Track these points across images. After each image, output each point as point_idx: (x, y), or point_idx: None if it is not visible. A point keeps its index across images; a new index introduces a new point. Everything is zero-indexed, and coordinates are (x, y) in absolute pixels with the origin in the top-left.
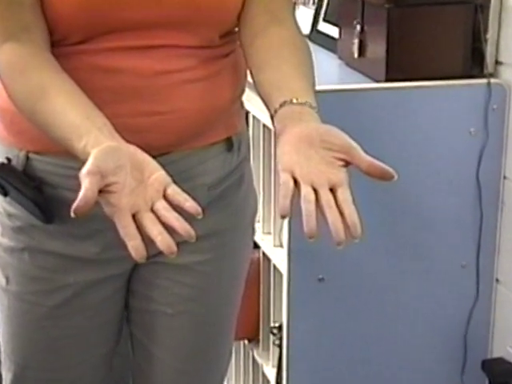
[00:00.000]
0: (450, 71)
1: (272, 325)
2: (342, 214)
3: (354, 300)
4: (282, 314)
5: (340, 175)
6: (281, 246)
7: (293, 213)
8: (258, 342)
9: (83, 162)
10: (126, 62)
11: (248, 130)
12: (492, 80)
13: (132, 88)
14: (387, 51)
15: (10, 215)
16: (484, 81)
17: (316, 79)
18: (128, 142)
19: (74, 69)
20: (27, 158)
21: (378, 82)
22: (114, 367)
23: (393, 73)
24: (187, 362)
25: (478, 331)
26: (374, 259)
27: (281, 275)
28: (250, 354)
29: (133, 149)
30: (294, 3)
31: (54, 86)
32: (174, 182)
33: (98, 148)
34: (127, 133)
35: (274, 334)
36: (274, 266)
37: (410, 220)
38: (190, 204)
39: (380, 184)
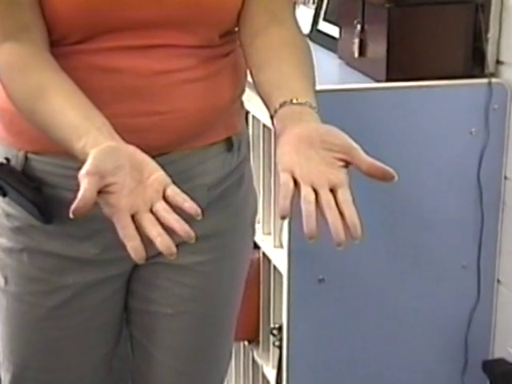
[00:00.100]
0: (450, 71)
1: (272, 326)
2: (342, 214)
3: (354, 301)
4: (282, 315)
5: (340, 176)
6: (281, 246)
7: (293, 213)
8: (257, 342)
9: (82, 163)
10: (126, 61)
11: (248, 129)
12: (493, 80)
13: (131, 88)
14: (388, 51)
15: (8, 215)
16: (485, 80)
17: (316, 79)
18: (127, 142)
19: (73, 68)
20: (26, 158)
21: (378, 81)
22: (114, 369)
23: (393, 72)
24: (187, 363)
25: (479, 332)
26: (374, 260)
27: (281, 276)
28: (250, 354)
29: (132, 149)
30: (294, 2)
31: (53, 85)
32: (174, 182)
33: (97, 148)
34: (127, 133)
35: (274, 335)
36: (274, 267)
37: (410, 220)
38: (189, 205)
39: (380, 184)
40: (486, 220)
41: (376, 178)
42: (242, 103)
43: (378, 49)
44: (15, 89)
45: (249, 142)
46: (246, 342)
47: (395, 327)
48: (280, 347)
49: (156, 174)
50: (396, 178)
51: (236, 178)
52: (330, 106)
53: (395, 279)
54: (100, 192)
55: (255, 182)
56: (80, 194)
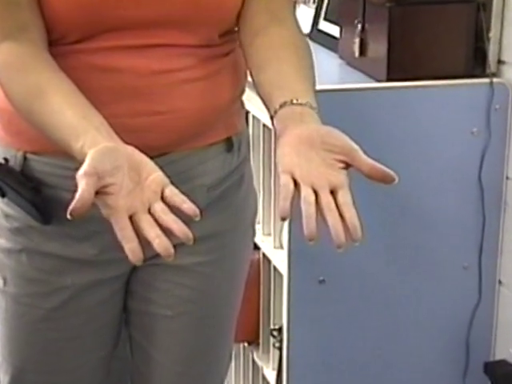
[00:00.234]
0: (451, 70)
1: (272, 327)
2: (342, 216)
3: (354, 302)
4: (282, 316)
5: (340, 177)
6: (281, 247)
7: (293, 215)
8: (258, 344)
9: (81, 163)
10: (125, 61)
11: (248, 129)
12: (494, 79)
13: (131, 88)
14: (388, 50)
15: (7, 216)
16: (486, 80)
17: (316, 79)
18: (127, 142)
19: (72, 68)
20: (25, 158)
21: (379, 81)
22: (113, 370)
23: (394, 72)
24: (187, 365)
25: (481, 333)
26: (375, 261)
27: (281, 277)
28: (250, 356)
29: (130, 149)
30: (295, 2)
31: (51, 85)
32: (173, 183)
33: (95, 149)
34: (126, 133)
35: (274, 336)
36: (275, 268)
37: (411, 221)
38: (187, 206)
39: (381, 185)
40: (487, 220)
41: (377, 180)
42: (242, 103)
43: (378, 48)
44: (13, 88)
45: (249, 142)
46: (246, 344)
47: (396, 329)
48: (280, 348)
49: (154, 175)
50: (396, 180)
51: (236, 179)
52: (331, 105)
53: (396, 280)
54: (98, 193)
55: (255, 183)
56: (78, 195)
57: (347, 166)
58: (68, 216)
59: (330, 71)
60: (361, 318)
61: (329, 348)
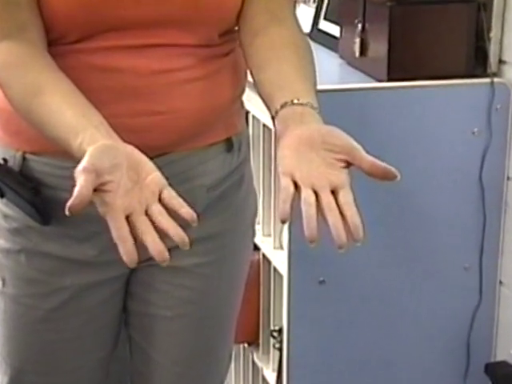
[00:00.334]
0: (452, 70)
1: (272, 328)
2: (343, 216)
3: (355, 303)
4: (282, 317)
5: (341, 177)
6: (281, 247)
7: (293, 216)
8: (258, 345)
9: (79, 161)
10: (124, 61)
11: (248, 130)
12: (495, 79)
13: (130, 87)
14: (389, 50)
15: (6, 216)
16: (487, 80)
17: (317, 78)
18: (127, 142)
19: (71, 68)
20: (24, 158)
21: (379, 81)
22: (113, 371)
23: (395, 72)
24: (186, 366)
25: (482, 334)
26: (375, 261)
27: (281, 277)
28: (250, 357)
29: (130, 149)
30: (295, 1)
31: (50, 85)
32: (173, 183)
33: (94, 146)
34: (126, 133)
35: (274, 338)
36: (275, 269)
37: (411, 222)
38: (185, 210)
39: (381, 185)
40: (488, 221)
41: (378, 177)
42: (241, 103)
43: (379, 48)
44: (12, 88)
45: (249, 143)
46: (246, 345)
47: (396, 330)
48: (280, 349)
49: (153, 175)
50: (398, 177)
51: (236, 179)
52: (331, 105)
53: (396, 281)
54: (96, 190)
55: (255, 183)
56: (76, 191)
57: (348, 164)
58: (66, 212)
59: (330, 71)
60: (361, 318)
61: (329, 349)
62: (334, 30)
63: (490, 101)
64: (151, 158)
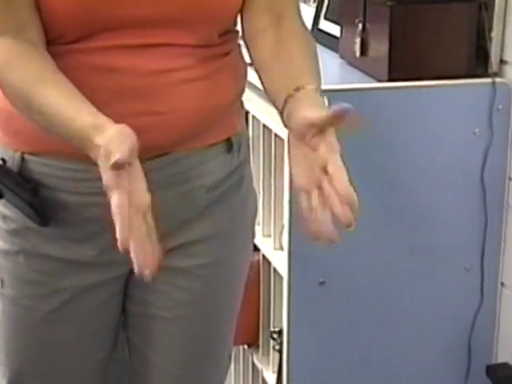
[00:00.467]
0: (453, 70)
1: (272, 329)
2: (337, 193)
3: (355, 304)
4: (282, 318)
5: (327, 150)
6: (281, 248)
7: (295, 216)
8: (257, 346)
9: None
10: (124, 61)
11: (248, 130)
12: (497, 79)
13: (130, 87)
14: (390, 50)
15: (5, 218)
16: (488, 80)
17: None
18: None
19: (70, 68)
20: (23, 159)
21: (380, 81)
22: (111, 373)
23: (395, 72)
24: (185, 368)
25: (483, 336)
26: (375, 262)
27: (281, 278)
28: (250, 359)
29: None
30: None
31: (48, 82)
32: (173, 183)
33: (117, 129)
34: None
35: (274, 339)
36: (275, 270)
37: (412, 222)
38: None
39: (382, 185)
40: (489, 222)
41: (338, 121)
42: (241, 103)
43: (379, 48)
44: (11, 85)
45: (249, 143)
46: (246, 346)
47: (397, 331)
48: (280, 351)
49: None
50: (352, 108)
51: (236, 180)
52: (331, 105)
53: (396, 282)
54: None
55: (255, 183)
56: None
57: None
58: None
59: (330, 71)
60: (361, 320)
61: (329, 350)
62: (334, 29)
63: (491, 101)
64: (151, 158)
